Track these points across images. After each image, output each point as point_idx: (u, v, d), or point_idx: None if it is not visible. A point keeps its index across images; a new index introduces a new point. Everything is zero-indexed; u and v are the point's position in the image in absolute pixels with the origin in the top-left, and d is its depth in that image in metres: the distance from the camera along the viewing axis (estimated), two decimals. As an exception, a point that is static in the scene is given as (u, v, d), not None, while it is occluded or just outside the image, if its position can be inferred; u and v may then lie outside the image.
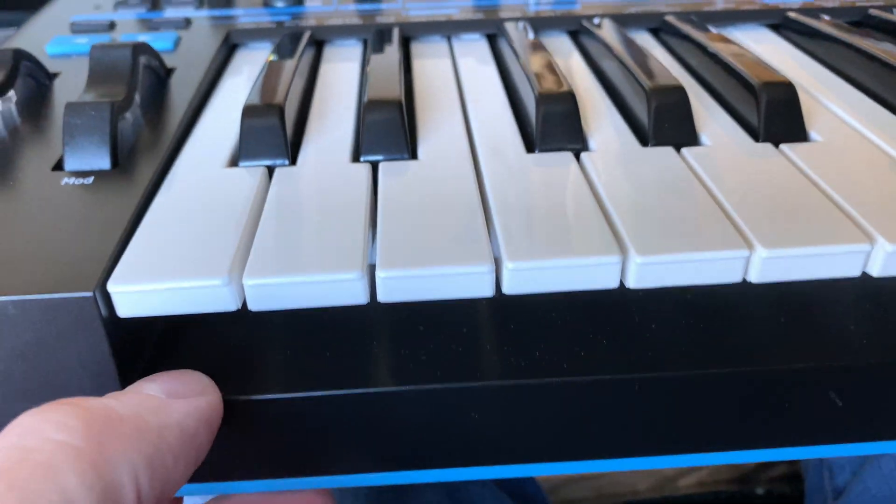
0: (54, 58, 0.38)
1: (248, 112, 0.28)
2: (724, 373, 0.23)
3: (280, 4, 0.44)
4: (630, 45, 0.35)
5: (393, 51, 0.36)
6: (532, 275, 0.22)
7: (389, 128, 0.28)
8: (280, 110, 0.28)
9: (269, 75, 0.32)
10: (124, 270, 0.22)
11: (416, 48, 0.41)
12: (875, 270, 0.23)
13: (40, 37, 0.40)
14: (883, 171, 0.26)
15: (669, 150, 0.28)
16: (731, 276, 0.22)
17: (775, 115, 0.29)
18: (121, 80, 0.30)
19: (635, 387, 0.23)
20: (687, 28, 0.38)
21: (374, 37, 0.39)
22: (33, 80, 0.34)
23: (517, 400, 0.24)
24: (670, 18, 0.41)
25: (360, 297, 0.22)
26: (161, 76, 0.35)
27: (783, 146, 0.28)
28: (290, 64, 0.34)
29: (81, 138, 0.27)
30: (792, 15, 0.41)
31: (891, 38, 0.39)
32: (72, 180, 0.26)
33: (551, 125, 0.29)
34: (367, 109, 0.29)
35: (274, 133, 0.28)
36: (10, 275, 0.22)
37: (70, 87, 0.34)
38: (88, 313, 0.21)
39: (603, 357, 0.24)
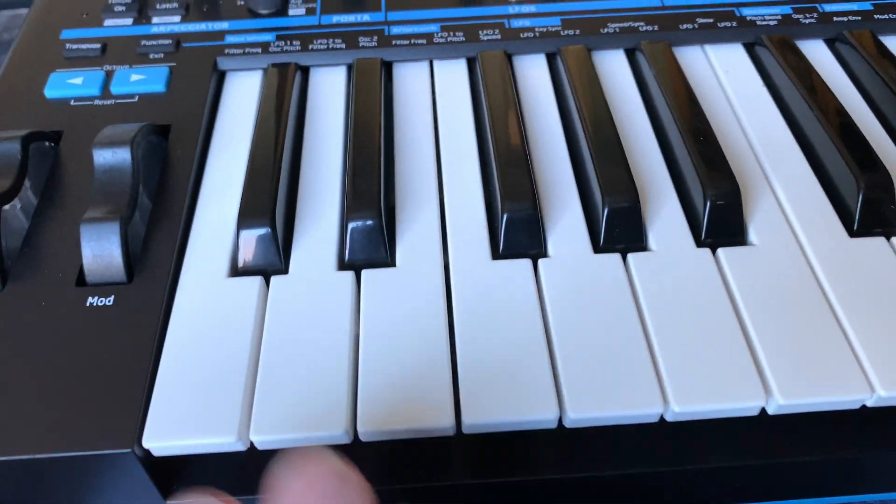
0: (53, 101, 0.40)
1: (243, 224, 0.32)
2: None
3: (264, 12, 0.45)
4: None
5: (374, 124, 0.38)
6: (485, 426, 0.27)
7: (370, 238, 0.32)
8: (272, 223, 0.32)
9: (257, 164, 0.35)
10: (154, 426, 0.27)
11: (397, 69, 0.43)
12: (772, 411, 0.28)
13: (36, 66, 0.42)
14: (806, 300, 0.30)
15: (616, 257, 0.32)
16: (649, 420, 0.27)
17: (718, 222, 0.32)
18: (123, 186, 0.33)
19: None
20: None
21: (356, 87, 0.40)
22: (42, 151, 0.36)
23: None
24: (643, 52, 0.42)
25: (344, 441, 0.27)
26: (160, 142, 0.37)
27: (720, 256, 0.32)
28: (277, 146, 0.36)
29: (98, 259, 0.31)
30: (765, 39, 0.42)
31: (847, 73, 0.41)
32: (95, 300, 0.31)
33: (515, 234, 0.32)
34: (349, 218, 0.32)
35: (267, 244, 0.32)
36: (52, 429, 0.27)
37: (76, 151, 0.37)
38: (128, 460, 0.27)
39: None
